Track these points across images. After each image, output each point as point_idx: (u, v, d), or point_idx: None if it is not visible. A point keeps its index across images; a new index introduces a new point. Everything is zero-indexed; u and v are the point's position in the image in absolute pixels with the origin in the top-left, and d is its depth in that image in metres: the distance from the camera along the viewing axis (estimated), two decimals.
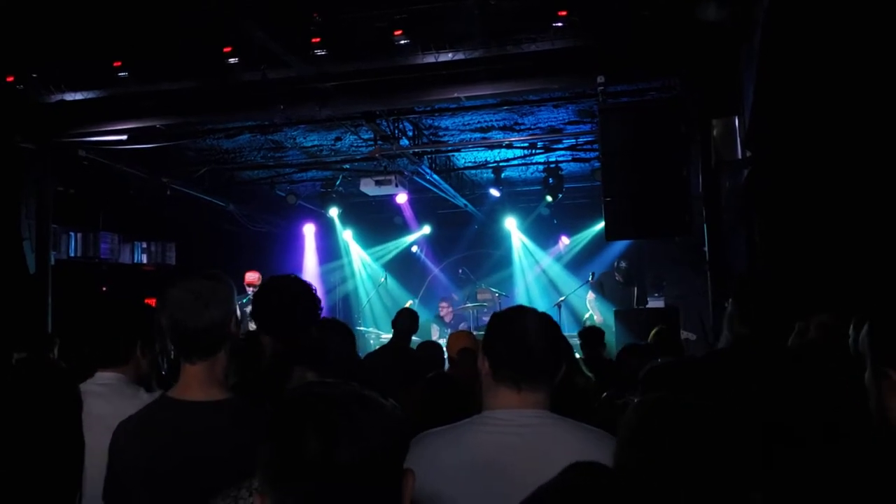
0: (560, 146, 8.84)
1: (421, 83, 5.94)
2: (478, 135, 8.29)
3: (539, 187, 10.11)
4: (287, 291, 2.35)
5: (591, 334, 5.28)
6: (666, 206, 5.49)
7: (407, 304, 9.53)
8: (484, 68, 5.68)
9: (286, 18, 5.17)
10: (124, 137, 6.87)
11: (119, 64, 5.77)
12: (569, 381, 3.23)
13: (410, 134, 7.87)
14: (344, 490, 0.91)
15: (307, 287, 2.38)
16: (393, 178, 9.07)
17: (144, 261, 9.87)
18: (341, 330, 2.28)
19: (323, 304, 2.46)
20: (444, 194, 10.06)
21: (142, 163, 8.28)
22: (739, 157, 5.15)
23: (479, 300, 10.94)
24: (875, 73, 3.66)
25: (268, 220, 11.67)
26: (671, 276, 8.28)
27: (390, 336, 5.36)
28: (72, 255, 8.58)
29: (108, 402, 1.95)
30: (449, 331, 9.10)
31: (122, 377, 2.19)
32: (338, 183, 10.42)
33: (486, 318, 10.23)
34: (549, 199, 9.91)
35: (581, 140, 8.56)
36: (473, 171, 10.29)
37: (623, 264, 9.21)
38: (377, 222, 12.26)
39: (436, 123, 7.87)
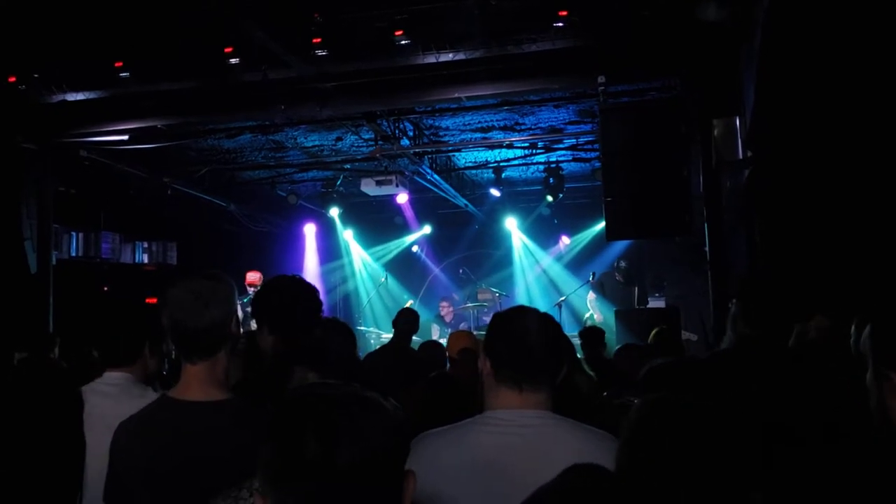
0: (560, 146, 8.84)
1: (421, 83, 5.94)
2: (478, 135, 8.29)
3: (539, 187, 10.11)
4: (287, 291, 2.35)
5: (591, 334, 5.27)
6: (666, 206, 5.49)
7: (407, 304, 9.53)
8: (484, 68, 5.68)
9: (286, 18, 5.17)
10: (125, 137, 6.88)
11: (120, 64, 5.77)
12: (570, 382, 3.23)
13: (411, 134, 7.88)
14: (344, 490, 0.91)
15: (308, 287, 2.38)
16: (393, 178, 9.07)
17: (145, 261, 9.88)
18: (342, 330, 2.28)
19: (323, 303, 2.46)
20: (444, 194, 10.07)
21: (143, 163, 8.29)
22: (740, 157, 5.15)
23: (479, 300, 10.94)
24: (875, 73, 3.66)
25: (268, 219, 11.68)
26: (672, 277, 8.28)
27: (391, 336, 5.36)
28: (73, 254, 8.59)
29: (116, 401, 1.96)
30: (449, 330, 9.10)
31: (130, 377, 2.21)
32: (338, 183, 10.42)
33: (487, 318, 10.26)
34: (549, 199, 9.91)
35: (581, 140, 8.56)
36: (474, 171, 10.29)
37: (623, 264, 9.21)
38: (378, 222, 12.26)
39: (436, 123, 7.87)
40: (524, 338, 1.68)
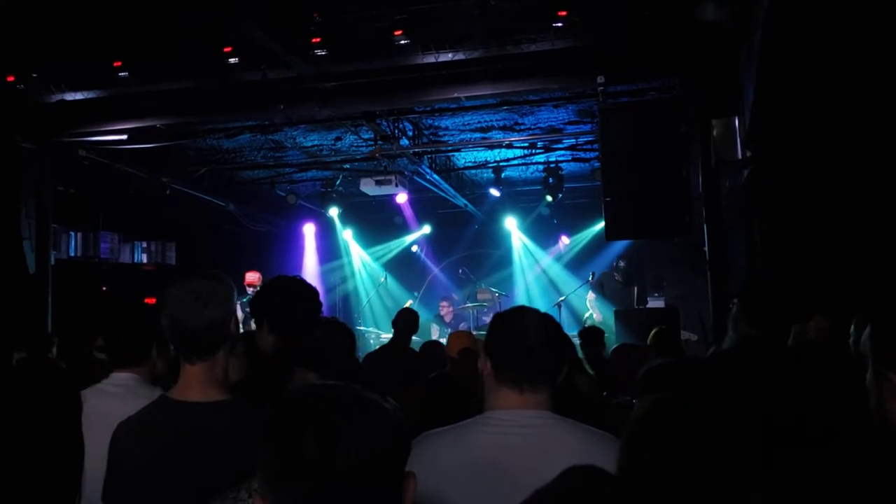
0: (560, 146, 8.84)
1: (421, 83, 5.94)
2: (478, 135, 8.29)
3: (539, 187, 10.10)
4: (288, 292, 2.35)
5: (591, 334, 5.27)
6: (666, 206, 5.49)
7: (407, 304, 9.53)
8: (484, 68, 5.68)
9: (286, 18, 5.17)
10: (124, 137, 6.87)
11: (119, 64, 5.77)
12: (570, 382, 3.23)
13: (410, 134, 7.88)
14: (344, 491, 0.90)
15: (308, 287, 2.38)
16: (393, 177, 9.07)
17: (144, 260, 9.88)
18: (342, 331, 2.28)
19: (323, 303, 2.46)
20: (444, 194, 10.07)
21: (142, 162, 8.28)
22: (739, 157, 5.15)
23: (479, 300, 10.94)
24: (875, 73, 3.66)
25: (268, 219, 11.67)
26: (671, 276, 8.28)
27: (390, 336, 5.36)
28: (72, 254, 8.58)
29: (123, 402, 1.96)
30: (449, 330, 9.10)
31: (137, 378, 2.21)
32: (338, 183, 10.42)
33: (487, 318, 10.26)
34: (549, 198, 9.91)
35: (581, 140, 8.56)
36: (473, 171, 10.29)
37: (622, 264, 9.21)
38: (377, 222, 12.26)
39: (436, 123, 7.87)
40: (525, 338, 1.68)
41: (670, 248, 7.82)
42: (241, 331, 2.42)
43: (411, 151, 8.07)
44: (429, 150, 8.60)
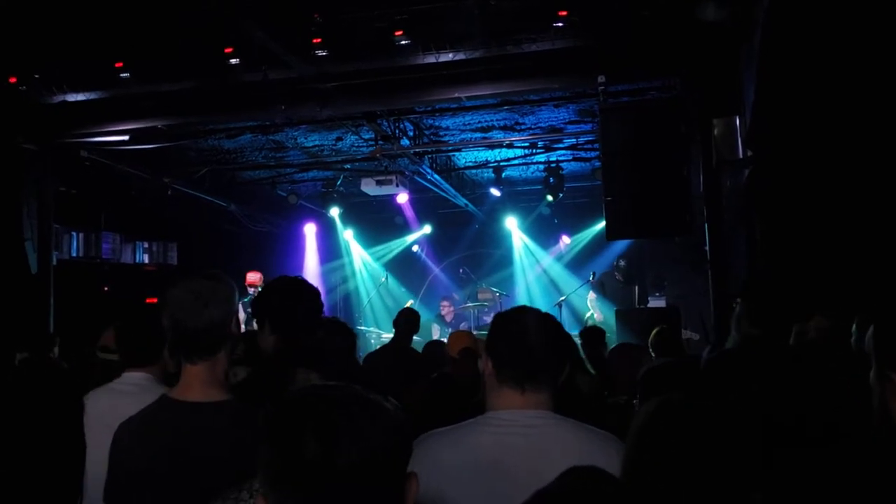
0: (560, 146, 8.84)
1: (421, 83, 5.94)
2: (478, 134, 8.29)
3: (540, 187, 10.10)
4: (289, 292, 2.35)
5: (591, 334, 5.27)
6: (667, 205, 5.49)
7: (408, 304, 9.54)
8: (484, 68, 5.68)
9: (286, 19, 5.17)
10: (126, 138, 6.88)
11: (120, 65, 5.78)
12: (571, 382, 3.24)
13: (411, 134, 7.88)
14: (345, 491, 0.90)
15: (310, 288, 2.38)
16: (394, 177, 9.07)
17: (146, 261, 9.88)
18: (343, 331, 2.29)
19: (324, 304, 2.46)
20: (444, 194, 10.07)
21: (143, 163, 8.29)
22: (740, 156, 5.15)
23: (479, 300, 10.94)
24: (876, 72, 3.66)
25: (269, 220, 11.68)
26: (672, 276, 8.28)
27: (391, 336, 5.36)
28: (73, 255, 8.59)
29: (137, 400, 1.96)
30: (450, 330, 9.10)
31: (150, 377, 2.23)
32: (339, 183, 10.43)
33: (487, 318, 10.26)
34: (549, 198, 9.90)
35: (581, 140, 8.56)
36: (474, 171, 10.29)
37: (622, 263, 9.21)
38: (378, 222, 12.27)
39: (436, 123, 7.87)
40: (526, 338, 1.68)
41: (671, 248, 7.82)
42: (242, 331, 2.42)
43: (412, 151, 8.07)
44: (429, 150, 8.60)
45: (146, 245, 9.88)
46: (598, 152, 7.69)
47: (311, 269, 12.32)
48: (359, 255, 12.83)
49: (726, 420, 1.23)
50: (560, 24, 5.16)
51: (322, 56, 5.41)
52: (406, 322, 5.10)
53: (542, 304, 9.93)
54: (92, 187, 8.43)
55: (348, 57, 5.58)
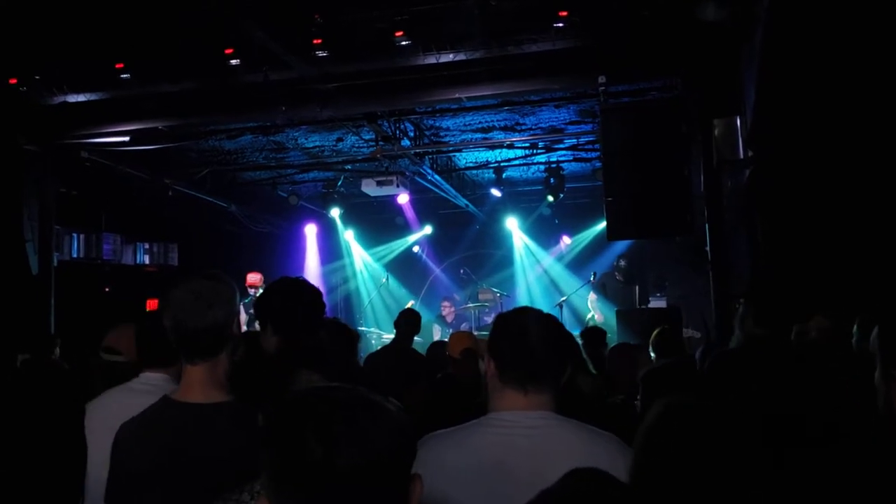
0: (561, 146, 8.84)
1: (422, 84, 5.94)
2: (479, 135, 8.29)
3: (540, 187, 10.10)
4: (290, 293, 2.35)
5: (592, 334, 5.27)
6: (667, 205, 5.49)
7: (408, 305, 9.54)
8: (485, 69, 5.68)
9: (287, 19, 5.18)
10: (126, 139, 6.89)
11: (121, 65, 5.78)
12: (573, 382, 3.23)
13: (412, 134, 7.88)
14: (348, 493, 0.90)
15: (311, 289, 2.38)
16: (394, 178, 9.07)
17: (147, 262, 9.89)
18: (345, 332, 2.29)
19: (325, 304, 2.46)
20: (445, 194, 10.07)
21: (144, 164, 8.29)
22: (741, 156, 5.15)
23: (480, 300, 10.93)
24: (876, 72, 3.65)
25: (269, 220, 11.68)
26: (673, 276, 8.29)
27: (392, 336, 5.36)
28: (74, 256, 8.59)
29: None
30: (451, 331, 9.10)
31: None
32: (339, 183, 10.43)
33: (488, 319, 10.26)
34: (550, 199, 9.90)
35: (582, 140, 8.55)
36: (475, 172, 10.30)
37: (623, 263, 9.21)
38: (378, 223, 12.27)
39: (437, 124, 7.87)
40: (528, 339, 1.67)
41: (672, 248, 7.82)
42: (243, 331, 2.42)
43: (412, 152, 8.08)
44: (430, 150, 8.60)
45: (147, 246, 9.88)
46: (598, 153, 7.68)
47: (312, 269, 12.32)
48: (359, 256, 12.83)
49: (734, 421, 1.23)
50: (560, 25, 5.16)
51: (323, 57, 5.41)
52: (407, 323, 5.10)
53: (542, 305, 9.92)
54: (93, 188, 8.43)
55: (349, 57, 5.58)
